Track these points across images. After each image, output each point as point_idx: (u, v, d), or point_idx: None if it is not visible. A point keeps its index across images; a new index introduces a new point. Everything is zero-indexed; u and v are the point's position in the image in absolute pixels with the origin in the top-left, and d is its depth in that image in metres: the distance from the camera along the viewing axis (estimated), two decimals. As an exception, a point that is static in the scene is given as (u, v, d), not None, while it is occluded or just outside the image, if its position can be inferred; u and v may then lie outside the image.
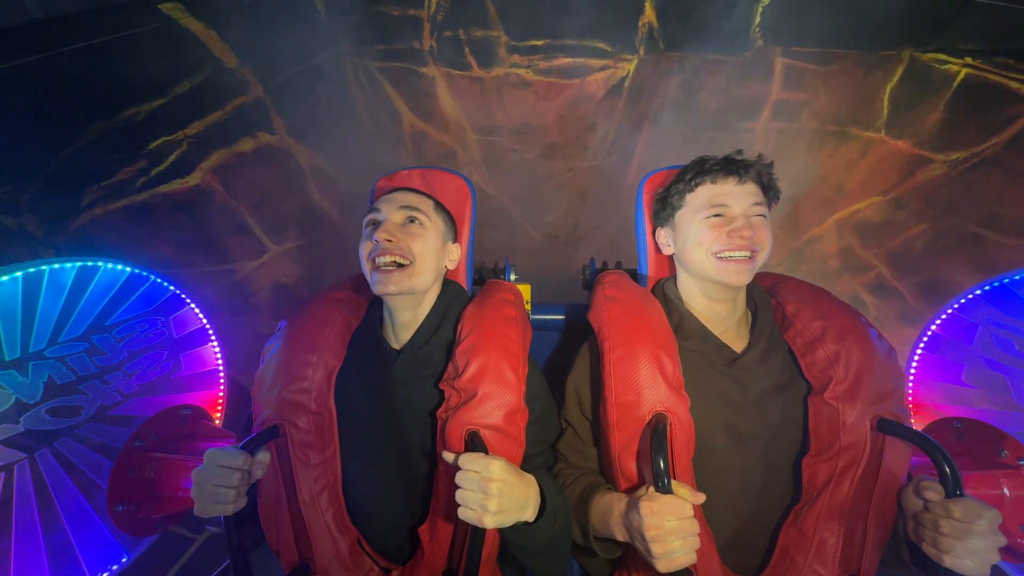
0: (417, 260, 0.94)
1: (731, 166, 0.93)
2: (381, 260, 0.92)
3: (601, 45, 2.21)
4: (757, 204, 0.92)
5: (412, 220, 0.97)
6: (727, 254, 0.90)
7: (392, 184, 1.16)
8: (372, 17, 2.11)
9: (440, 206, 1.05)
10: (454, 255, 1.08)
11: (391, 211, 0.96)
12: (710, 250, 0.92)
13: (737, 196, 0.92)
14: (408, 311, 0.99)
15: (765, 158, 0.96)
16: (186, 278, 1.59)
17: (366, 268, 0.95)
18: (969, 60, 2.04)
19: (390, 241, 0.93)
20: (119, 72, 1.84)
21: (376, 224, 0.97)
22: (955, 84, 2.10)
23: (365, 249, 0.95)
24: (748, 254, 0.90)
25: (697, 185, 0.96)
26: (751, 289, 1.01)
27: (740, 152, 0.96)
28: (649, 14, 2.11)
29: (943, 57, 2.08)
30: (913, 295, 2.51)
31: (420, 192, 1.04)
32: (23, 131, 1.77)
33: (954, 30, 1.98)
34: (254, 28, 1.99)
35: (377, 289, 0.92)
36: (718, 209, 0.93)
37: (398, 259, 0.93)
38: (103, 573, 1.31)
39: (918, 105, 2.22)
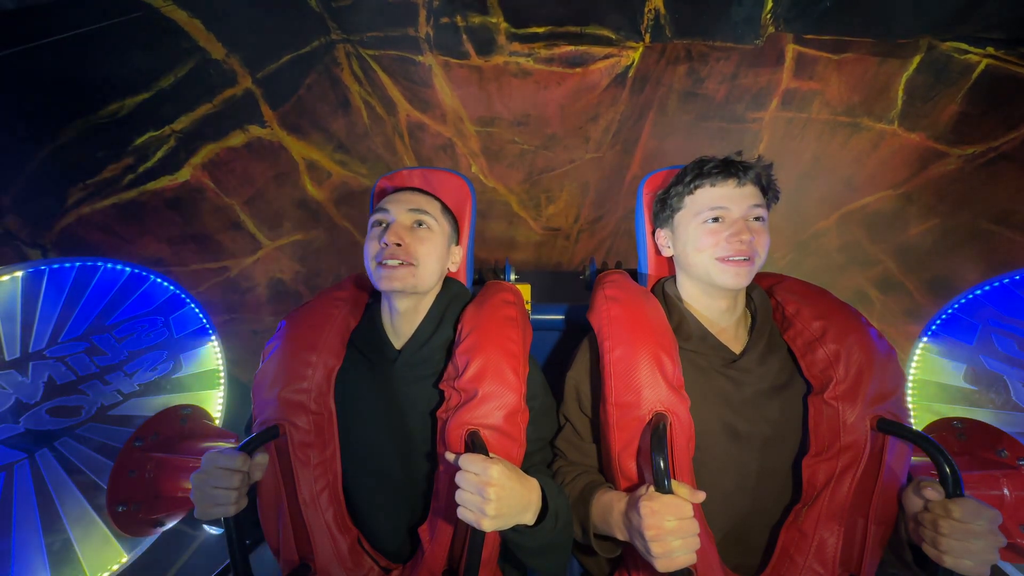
0: (422, 262, 0.96)
1: (730, 168, 0.92)
2: (388, 263, 0.93)
3: (605, 32, 2.11)
4: (756, 207, 0.92)
5: (420, 224, 0.98)
6: (731, 256, 0.90)
7: (393, 184, 1.17)
8: (365, 2, 2.02)
9: (446, 208, 1.07)
10: (456, 257, 1.11)
11: (399, 212, 0.97)
12: (710, 255, 0.92)
13: (736, 199, 0.92)
14: (409, 309, 0.99)
15: (765, 159, 0.94)
16: (179, 276, 1.56)
17: (370, 266, 0.95)
18: (991, 50, 1.94)
19: (399, 245, 0.94)
20: (99, 65, 1.76)
21: (383, 225, 0.97)
22: (974, 75, 2.01)
23: (371, 249, 0.96)
24: (746, 257, 0.89)
25: (696, 188, 0.95)
26: (750, 290, 1.01)
27: (739, 153, 0.95)
28: (656, -1, 2.01)
29: (963, 46, 1.98)
30: (920, 291, 2.47)
31: (428, 193, 1.05)
32: (0, 129, 1.71)
33: (977, 18, 1.87)
34: (240, 16, 1.90)
35: (382, 285, 0.93)
36: (717, 212, 0.93)
37: (404, 262, 0.94)
38: (103, 573, 1.32)
39: (934, 97, 2.13)
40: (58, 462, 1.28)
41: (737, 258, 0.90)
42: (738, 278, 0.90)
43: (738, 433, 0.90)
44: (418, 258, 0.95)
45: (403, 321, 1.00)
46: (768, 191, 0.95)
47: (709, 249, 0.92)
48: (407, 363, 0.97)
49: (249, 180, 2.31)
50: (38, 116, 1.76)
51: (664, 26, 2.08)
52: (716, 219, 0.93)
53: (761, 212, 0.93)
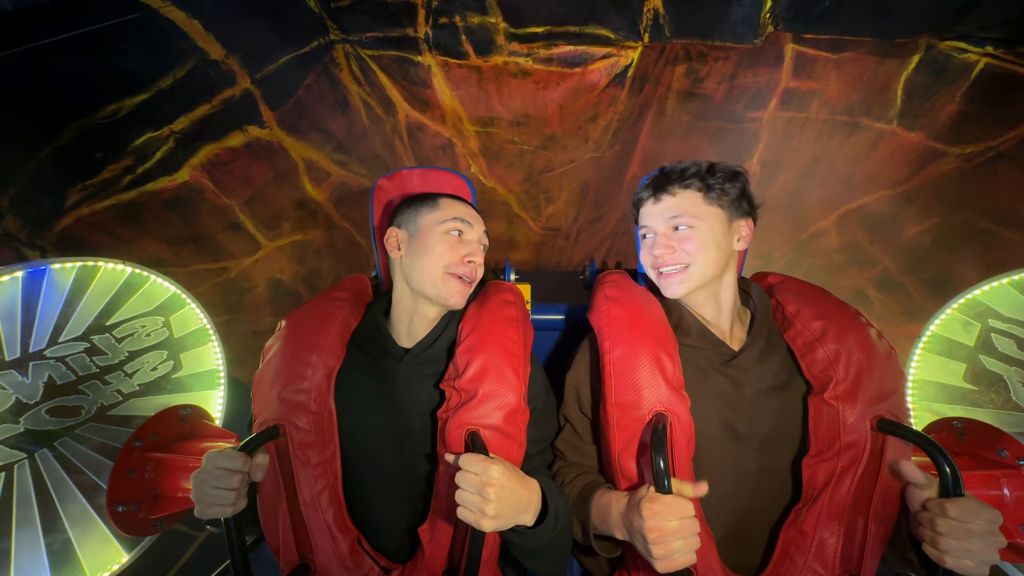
0: (476, 281, 1.02)
1: (650, 188, 0.98)
2: (464, 279, 0.98)
3: (604, 32, 2.11)
4: (675, 217, 0.94)
5: (483, 247, 1.04)
6: (661, 269, 0.95)
7: (392, 184, 1.18)
8: (364, 2, 2.01)
9: None
10: None
11: (478, 233, 1.02)
12: (651, 270, 0.97)
13: (655, 215, 0.97)
14: (436, 315, 1.02)
15: (701, 162, 0.96)
16: (178, 277, 1.55)
17: (438, 275, 0.96)
18: (990, 49, 1.94)
19: (479, 266, 1.01)
20: (98, 66, 1.76)
21: (461, 236, 1.00)
22: (973, 74, 2.01)
23: (447, 257, 0.97)
24: (677, 267, 0.93)
25: (638, 212, 1.03)
26: (750, 289, 1.02)
27: (669, 165, 0.99)
28: (655, -1, 2.01)
29: (962, 46, 1.98)
30: (920, 291, 2.48)
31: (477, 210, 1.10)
32: (-1, 130, 1.71)
33: (975, 17, 1.87)
34: (239, 16, 1.90)
35: (453, 300, 0.96)
36: (644, 231, 1.00)
37: (472, 280, 0.99)
38: (103, 573, 1.32)
39: (933, 96, 2.13)
40: (58, 462, 1.27)
41: (666, 268, 0.94)
42: (671, 288, 0.94)
43: (738, 433, 0.90)
44: (477, 278, 1.01)
45: (422, 324, 1.00)
46: (711, 190, 0.94)
47: (648, 264, 0.99)
48: (413, 362, 0.98)
49: (248, 180, 2.31)
50: (37, 117, 1.76)
51: (663, 26, 2.08)
52: (646, 236, 1.00)
53: (683, 220, 0.92)
